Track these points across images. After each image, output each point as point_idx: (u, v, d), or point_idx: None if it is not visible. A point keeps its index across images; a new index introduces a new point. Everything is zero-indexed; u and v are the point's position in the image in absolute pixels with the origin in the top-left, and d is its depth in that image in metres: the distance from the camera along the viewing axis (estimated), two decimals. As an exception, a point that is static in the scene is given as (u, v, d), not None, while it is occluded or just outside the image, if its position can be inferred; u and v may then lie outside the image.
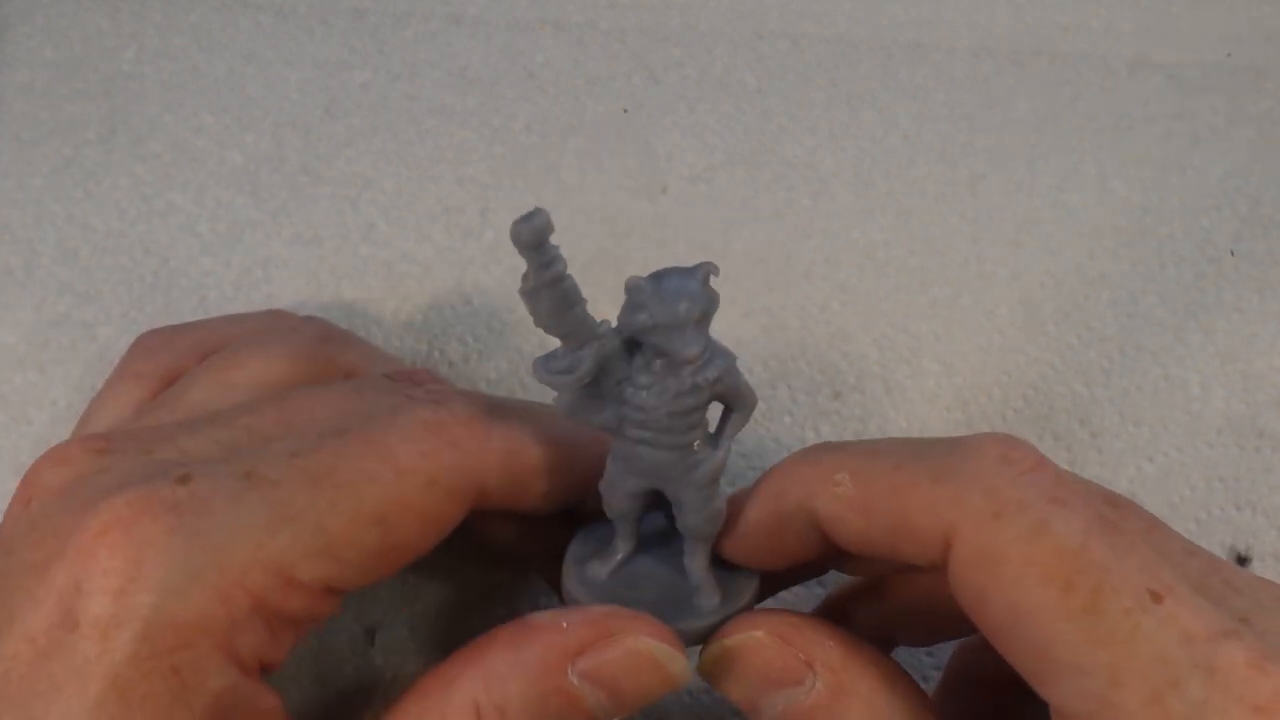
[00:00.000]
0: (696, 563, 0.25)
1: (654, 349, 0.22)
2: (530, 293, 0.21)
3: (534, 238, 0.20)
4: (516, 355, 0.35)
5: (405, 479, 0.23)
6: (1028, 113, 0.39)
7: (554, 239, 0.21)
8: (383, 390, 0.26)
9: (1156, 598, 0.19)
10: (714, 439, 0.24)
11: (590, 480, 0.25)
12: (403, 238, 0.36)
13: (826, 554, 0.24)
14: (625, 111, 0.38)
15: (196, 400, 0.26)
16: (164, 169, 0.37)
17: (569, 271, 0.21)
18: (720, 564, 0.25)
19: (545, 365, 0.22)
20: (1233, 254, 0.36)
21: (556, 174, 0.37)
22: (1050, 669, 0.20)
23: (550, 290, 0.21)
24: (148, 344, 0.30)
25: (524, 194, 0.37)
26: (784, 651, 0.23)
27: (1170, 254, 0.36)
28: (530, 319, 0.22)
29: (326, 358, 0.28)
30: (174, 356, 0.29)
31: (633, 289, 0.22)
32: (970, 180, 0.37)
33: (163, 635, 0.20)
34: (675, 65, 0.39)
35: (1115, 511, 0.22)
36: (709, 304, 0.22)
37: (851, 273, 0.36)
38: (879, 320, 0.35)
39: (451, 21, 0.40)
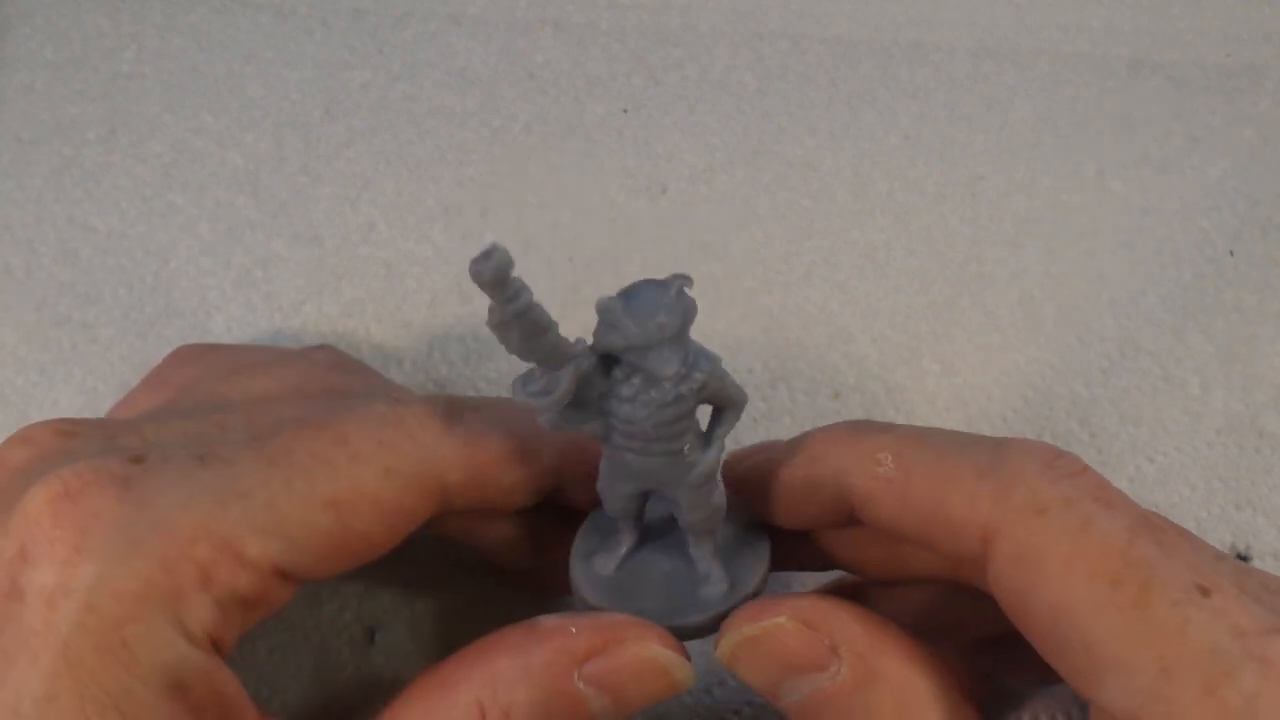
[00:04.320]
0: (702, 551, 0.25)
1: (632, 365, 0.22)
2: (498, 326, 0.21)
3: (496, 275, 0.20)
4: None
5: (359, 465, 0.22)
6: (1028, 113, 0.39)
7: (531, 272, 0.20)
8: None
9: (1205, 592, 0.19)
10: (705, 438, 0.23)
11: (558, 467, 0.25)
12: (403, 238, 0.36)
13: (841, 522, 0.24)
14: (625, 111, 0.38)
15: (187, 409, 0.26)
16: (164, 169, 0.37)
17: (536, 300, 0.21)
18: (727, 547, 0.25)
19: (524, 385, 0.22)
20: (1232, 254, 0.36)
21: (556, 174, 0.37)
22: (1096, 666, 0.19)
23: (519, 321, 0.21)
24: (183, 355, 0.30)
25: (524, 194, 0.37)
26: (808, 637, 0.22)
27: (1169, 254, 0.36)
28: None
29: (331, 386, 0.28)
30: (205, 370, 0.29)
31: (604, 309, 0.21)
32: (970, 180, 0.37)
33: (108, 605, 0.19)
34: (675, 65, 0.39)
35: (1155, 515, 0.22)
36: (685, 317, 0.21)
37: (851, 273, 0.36)
38: (879, 320, 0.35)
39: (451, 21, 0.40)
